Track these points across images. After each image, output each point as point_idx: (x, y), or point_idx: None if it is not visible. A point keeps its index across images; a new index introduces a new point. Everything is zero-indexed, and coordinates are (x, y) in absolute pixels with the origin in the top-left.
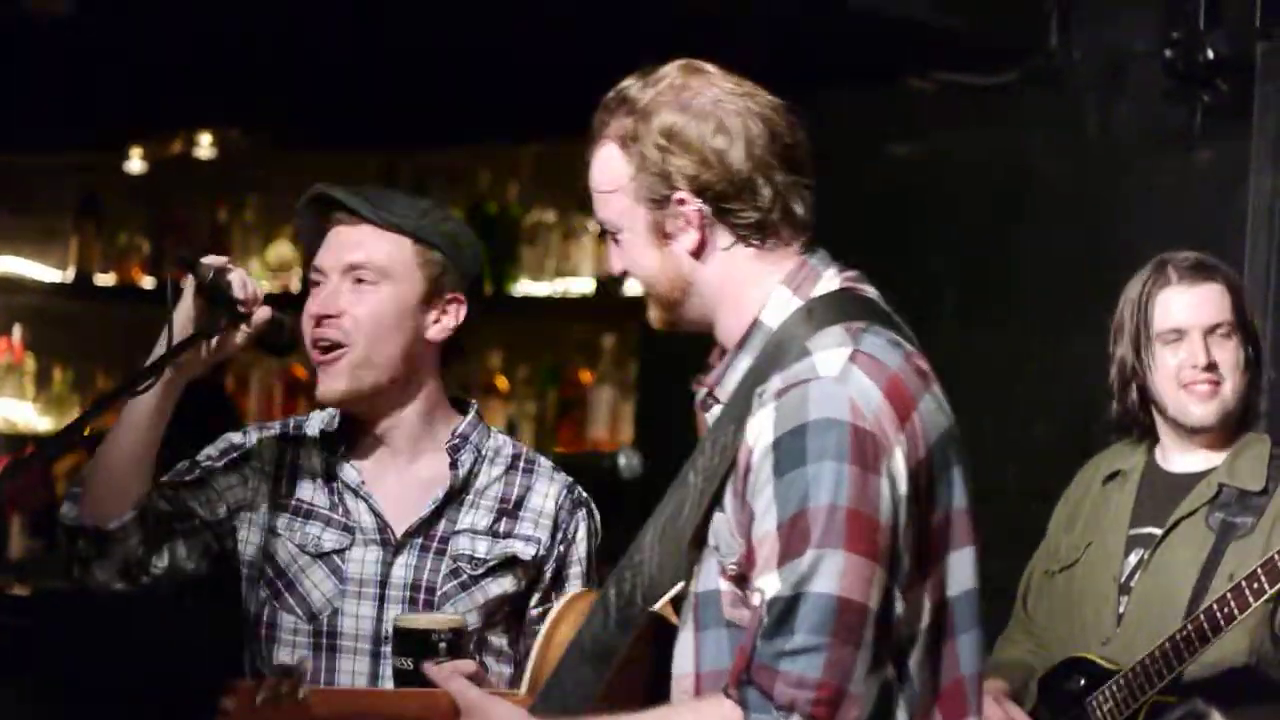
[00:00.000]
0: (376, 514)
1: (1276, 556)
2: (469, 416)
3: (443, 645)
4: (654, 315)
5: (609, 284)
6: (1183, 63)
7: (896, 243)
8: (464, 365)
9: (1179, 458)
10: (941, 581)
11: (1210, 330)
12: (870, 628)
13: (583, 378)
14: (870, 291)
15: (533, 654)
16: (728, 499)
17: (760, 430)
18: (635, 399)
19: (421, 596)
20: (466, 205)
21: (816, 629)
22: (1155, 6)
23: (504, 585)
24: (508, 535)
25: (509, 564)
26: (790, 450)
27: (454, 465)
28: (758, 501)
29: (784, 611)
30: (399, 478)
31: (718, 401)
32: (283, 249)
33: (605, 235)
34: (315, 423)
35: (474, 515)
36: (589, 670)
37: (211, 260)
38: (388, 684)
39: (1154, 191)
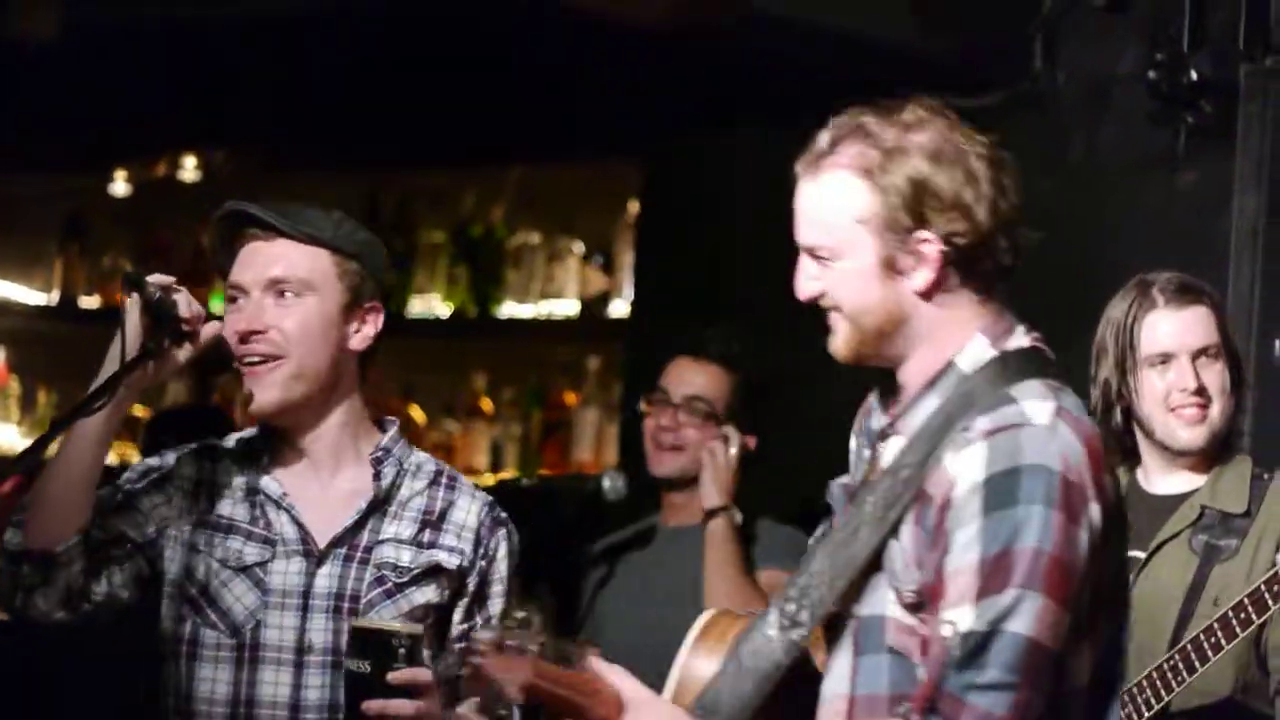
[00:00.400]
0: (299, 524)
1: (1263, 587)
2: (391, 432)
3: (402, 651)
4: (846, 344)
5: (593, 306)
6: (1167, 85)
7: None
8: (445, 386)
9: (1161, 479)
10: (1099, 640)
11: (1198, 354)
12: (1051, 673)
13: (567, 400)
14: (1051, 355)
15: (677, 665)
16: (906, 529)
17: (967, 466)
18: (620, 421)
19: (346, 605)
20: (451, 228)
21: (1009, 668)
22: (1139, 29)
23: (428, 594)
24: (431, 545)
25: (433, 573)
26: (1000, 489)
27: (377, 476)
28: (958, 534)
29: (978, 646)
30: (321, 490)
31: (896, 434)
32: None
33: (810, 257)
34: (233, 441)
35: (397, 526)
36: (749, 685)
37: (157, 279)
38: (310, 694)
39: (1138, 213)
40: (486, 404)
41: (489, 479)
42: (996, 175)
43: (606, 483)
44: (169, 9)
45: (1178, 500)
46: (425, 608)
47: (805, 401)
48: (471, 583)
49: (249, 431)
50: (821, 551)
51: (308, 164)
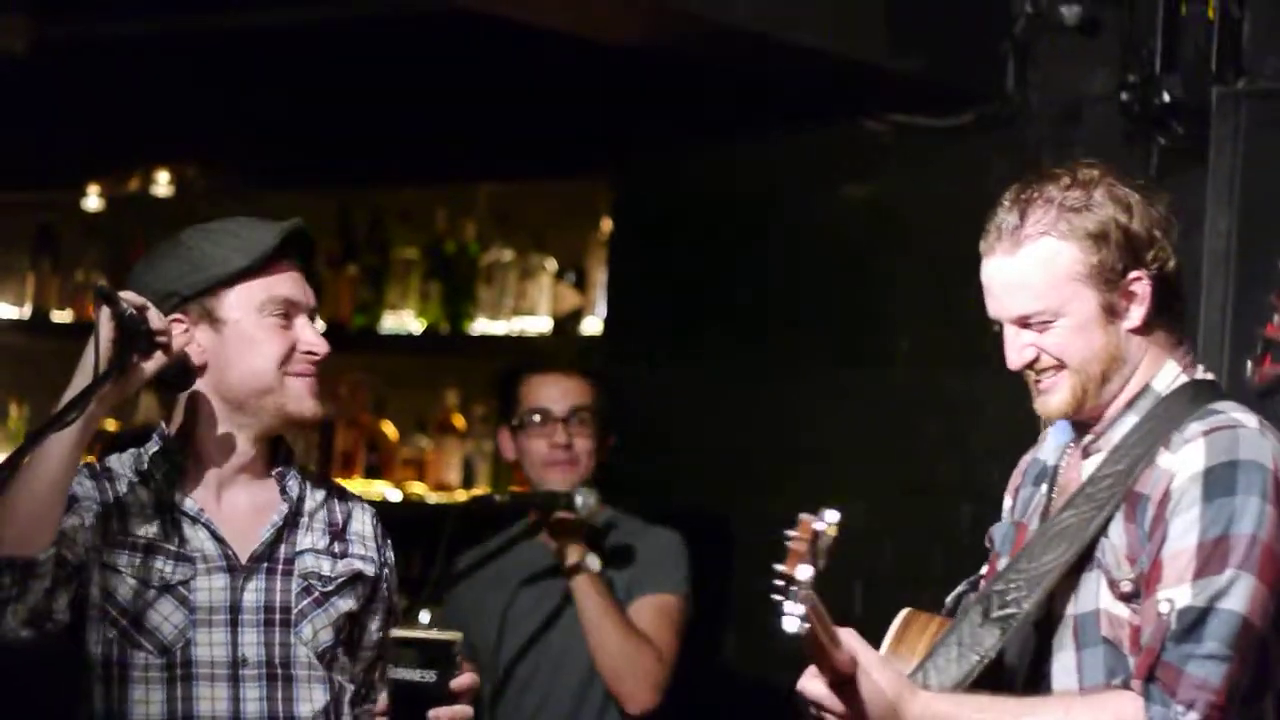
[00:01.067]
0: (219, 540)
1: None
2: (282, 448)
3: (459, 658)
4: (1071, 398)
5: (566, 323)
6: (1138, 106)
7: (853, 284)
8: (417, 402)
9: None
10: None
11: None
12: (1257, 652)
13: None
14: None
15: (883, 651)
16: (1116, 527)
17: (1187, 460)
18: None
19: (277, 618)
20: (424, 244)
21: (1225, 641)
22: (1111, 50)
23: (349, 602)
24: (344, 554)
25: (353, 580)
26: (1221, 479)
27: (285, 490)
28: (1177, 520)
29: (1195, 621)
30: (233, 506)
31: (1097, 450)
32: None
33: (1021, 326)
34: (121, 462)
35: (312, 536)
36: (957, 665)
37: (129, 295)
38: (250, 707)
39: None
40: (459, 420)
41: (461, 495)
42: (1162, 211)
43: (579, 499)
44: (142, 25)
45: None
46: (348, 615)
47: (785, 407)
48: (384, 589)
49: (130, 452)
50: (1038, 543)
51: (281, 180)
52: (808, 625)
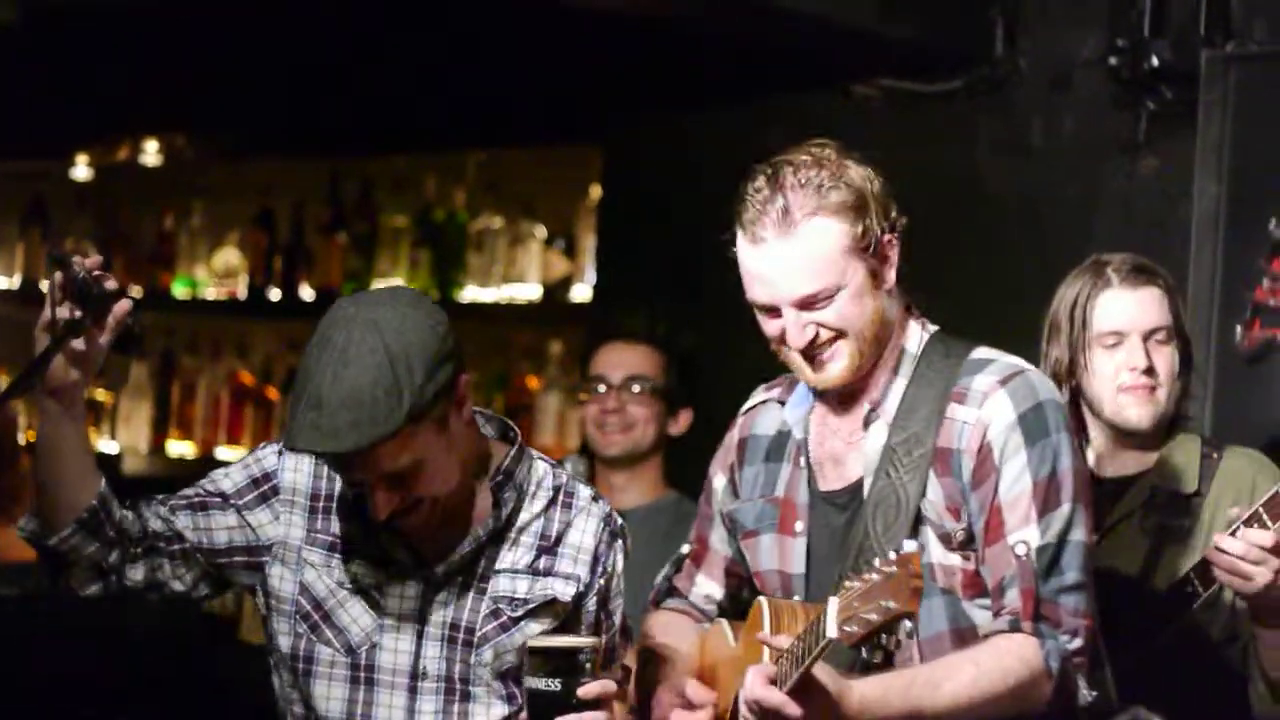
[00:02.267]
0: (413, 549)
1: (1207, 556)
2: (512, 450)
3: (588, 665)
4: (850, 365)
5: (555, 290)
6: (1128, 71)
7: None
8: None
9: (1110, 462)
10: None
11: (1149, 335)
12: None
13: (530, 384)
14: None
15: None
16: (933, 484)
17: (996, 411)
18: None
19: (461, 636)
20: (413, 212)
21: (1081, 569)
22: (1100, 15)
23: (543, 625)
24: (548, 573)
25: (548, 605)
26: (1035, 423)
27: (497, 504)
28: (1006, 466)
29: (1054, 556)
30: (439, 512)
31: (877, 418)
32: (229, 256)
33: (800, 308)
34: None
35: (514, 554)
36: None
37: (81, 259)
38: (425, 718)
39: (1099, 198)
40: None
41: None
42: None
43: (569, 467)
44: None
45: (1128, 482)
46: (542, 634)
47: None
48: (590, 603)
49: None
50: (860, 525)
51: (270, 149)
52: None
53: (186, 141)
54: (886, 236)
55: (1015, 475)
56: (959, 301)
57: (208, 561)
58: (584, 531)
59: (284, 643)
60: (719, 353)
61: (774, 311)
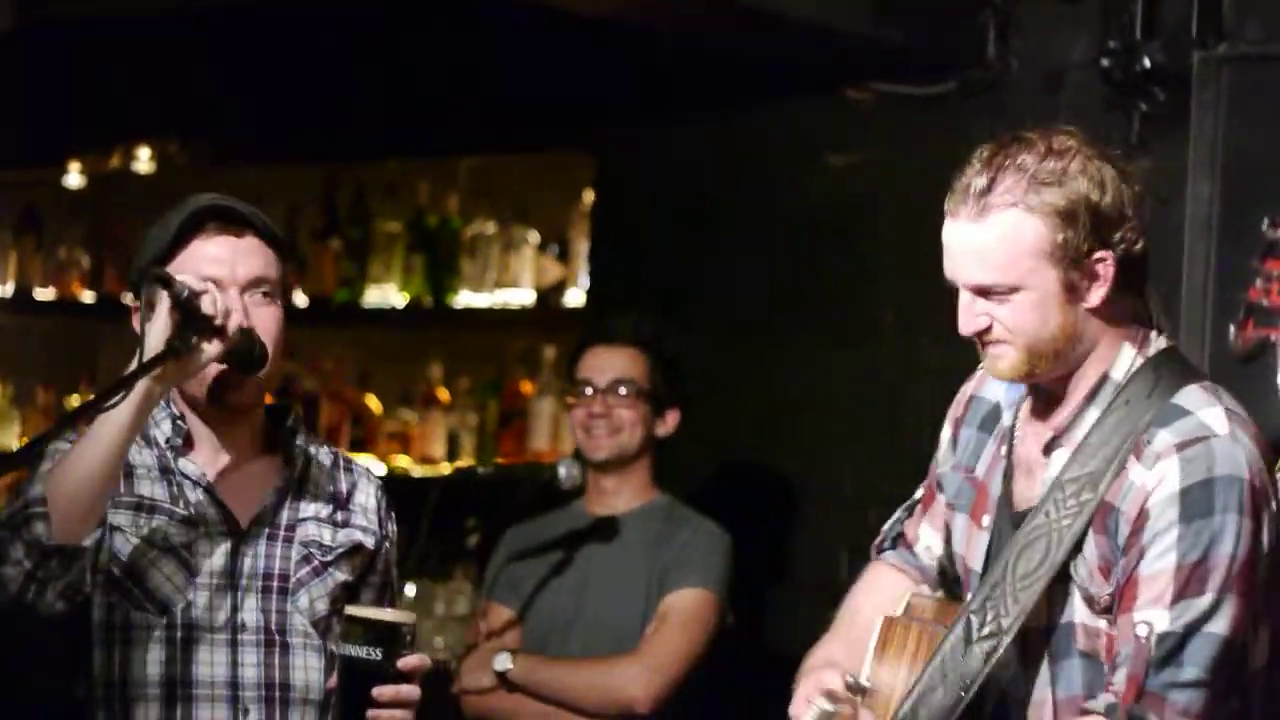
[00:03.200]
0: (220, 504)
1: None
2: (292, 417)
3: (409, 638)
4: (1015, 369)
5: (549, 296)
6: (1120, 72)
7: (837, 253)
8: (401, 376)
9: None
10: (1273, 620)
11: None
12: (1239, 663)
13: (523, 389)
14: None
15: (864, 675)
16: (1089, 540)
17: (1163, 479)
18: None
19: (275, 584)
20: (406, 218)
21: (1204, 666)
22: (1092, 17)
23: (346, 573)
24: (346, 524)
25: (352, 552)
26: (1198, 500)
27: (290, 459)
28: (1156, 542)
29: (1175, 647)
30: (237, 472)
31: (1060, 446)
32: None
33: (977, 294)
34: (146, 424)
35: (315, 505)
36: (948, 698)
37: (186, 278)
38: (248, 672)
39: None
40: (443, 393)
41: (446, 468)
42: (1136, 188)
43: (562, 470)
44: (124, 1)
45: None
46: (342, 586)
47: (759, 384)
48: (380, 562)
49: (160, 412)
50: (1004, 562)
51: (263, 155)
52: None
53: (179, 148)
54: (1100, 253)
55: (1161, 551)
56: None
57: (94, 550)
58: (367, 494)
59: (99, 614)
60: (712, 357)
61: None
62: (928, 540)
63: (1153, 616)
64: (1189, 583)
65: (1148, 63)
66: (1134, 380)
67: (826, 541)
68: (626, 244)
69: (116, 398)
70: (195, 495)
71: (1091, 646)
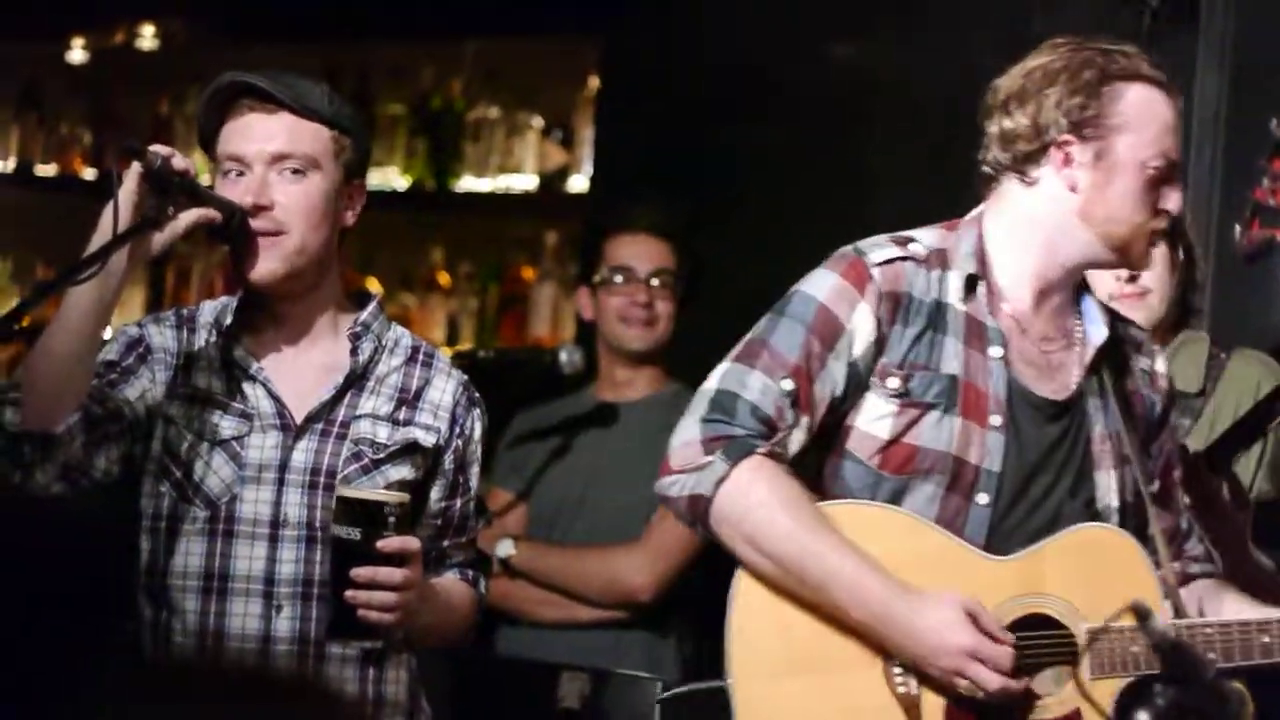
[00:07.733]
0: (275, 398)
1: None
2: (370, 307)
3: (392, 520)
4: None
5: (551, 181)
6: None
7: (837, 146)
8: (402, 259)
9: None
10: None
11: None
12: None
13: (524, 275)
14: None
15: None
16: None
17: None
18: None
19: (322, 480)
20: (410, 101)
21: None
22: None
23: (403, 472)
24: (408, 423)
25: (409, 450)
26: None
27: (354, 352)
28: None
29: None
30: (296, 363)
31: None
32: None
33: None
34: (209, 311)
35: (374, 401)
36: None
37: (158, 148)
38: (285, 568)
39: None
40: (444, 277)
41: (445, 352)
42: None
43: (564, 356)
44: None
45: None
46: (400, 484)
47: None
48: (448, 461)
49: (220, 301)
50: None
51: (266, 35)
52: None
53: (183, 26)
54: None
55: None
56: (954, 193)
57: (132, 436)
58: (443, 391)
59: (148, 505)
60: (717, 244)
61: (1172, 177)
62: (799, 438)
63: None
64: None
65: None
66: None
67: None
68: (631, 130)
69: (89, 271)
70: (251, 389)
71: None
